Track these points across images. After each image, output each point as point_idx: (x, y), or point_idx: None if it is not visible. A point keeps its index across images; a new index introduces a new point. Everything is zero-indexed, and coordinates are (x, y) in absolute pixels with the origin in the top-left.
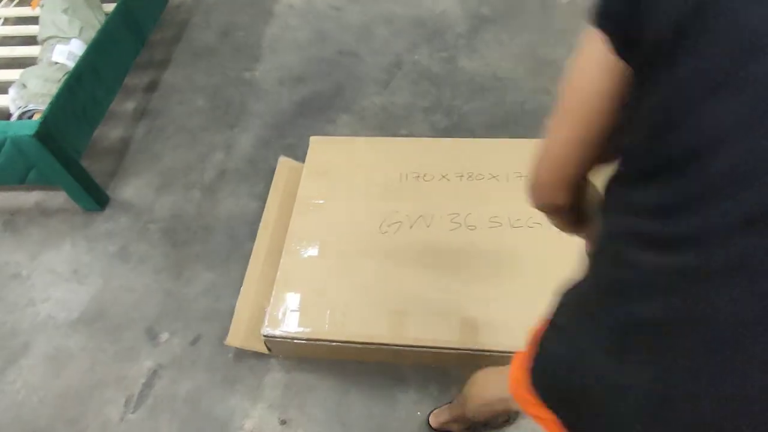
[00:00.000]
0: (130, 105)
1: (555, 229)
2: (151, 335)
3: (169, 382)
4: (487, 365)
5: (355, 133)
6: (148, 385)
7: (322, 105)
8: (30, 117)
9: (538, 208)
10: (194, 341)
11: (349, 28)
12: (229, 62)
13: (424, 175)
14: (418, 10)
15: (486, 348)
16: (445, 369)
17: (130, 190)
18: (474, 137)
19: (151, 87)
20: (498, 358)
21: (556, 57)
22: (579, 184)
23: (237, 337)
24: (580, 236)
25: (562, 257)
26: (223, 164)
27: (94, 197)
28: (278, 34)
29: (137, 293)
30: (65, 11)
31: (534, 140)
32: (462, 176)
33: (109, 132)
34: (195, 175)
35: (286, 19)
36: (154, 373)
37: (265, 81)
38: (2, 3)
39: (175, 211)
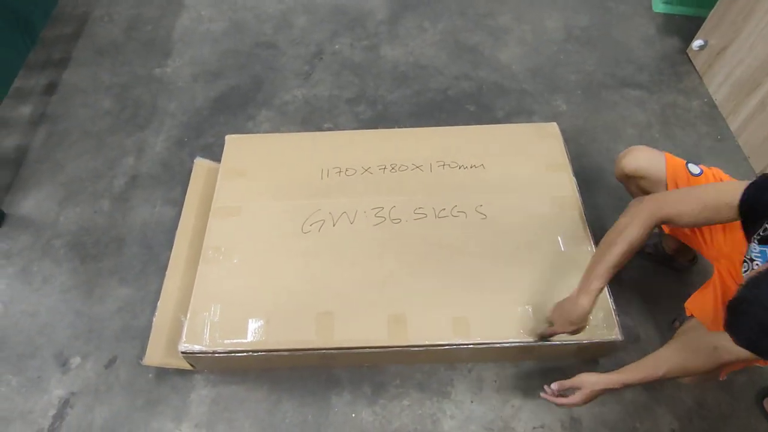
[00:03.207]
0: (25, 110)
1: (478, 218)
2: (61, 361)
3: (84, 411)
4: (419, 360)
5: (276, 129)
6: (59, 416)
7: (241, 101)
8: None
9: None
10: (109, 364)
11: (266, 18)
12: (137, 59)
13: (346, 170)
14: None
15: (417, 343)
16: (378, 366)
17: (29, 204)
18: (399, 127)
19: (50, 89)
20: (430, 353)
21: (476, 42)
22: None
23: (156, 355)
24: None
25: (488, 246)
26: (135, 169)
27: None
28: (190, 27)
29: (42, 316)
30: None
31: (456, 127)
32: (385, 168)
33: (2, 140)
34: (103, 183)
35: (198, 10)
36: (65, 403)
37: (178, 77)
38: None
39: (82, 224)
